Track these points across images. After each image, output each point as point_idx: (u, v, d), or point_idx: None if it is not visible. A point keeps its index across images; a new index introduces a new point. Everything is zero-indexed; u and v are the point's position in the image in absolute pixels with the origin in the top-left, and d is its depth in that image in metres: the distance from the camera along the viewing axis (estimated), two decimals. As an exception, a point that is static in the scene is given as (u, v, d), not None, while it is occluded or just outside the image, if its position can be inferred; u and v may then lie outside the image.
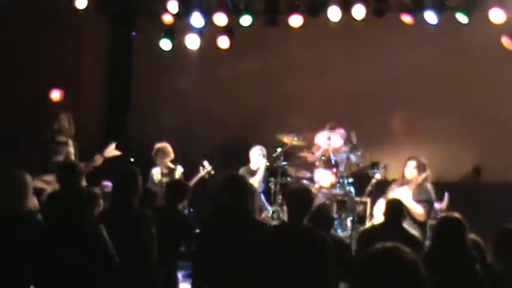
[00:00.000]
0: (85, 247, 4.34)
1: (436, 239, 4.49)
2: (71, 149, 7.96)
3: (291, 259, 4.43)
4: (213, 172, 8.81)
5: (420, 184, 7.34)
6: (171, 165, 8.66)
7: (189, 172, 8.80)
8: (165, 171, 8.63)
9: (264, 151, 9.19)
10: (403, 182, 7.52)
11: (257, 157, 9.10)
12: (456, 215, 4.60)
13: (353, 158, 9.24)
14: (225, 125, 10.83)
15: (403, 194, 7.09)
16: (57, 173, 5.93)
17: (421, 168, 7.44)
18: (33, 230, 4.57)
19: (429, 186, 7.38)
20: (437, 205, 8.11)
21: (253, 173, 9.02)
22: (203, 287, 4.99)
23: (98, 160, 7.65)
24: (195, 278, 5.06)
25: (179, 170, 8.65)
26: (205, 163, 8.85)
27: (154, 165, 8.70)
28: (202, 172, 8.76)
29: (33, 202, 4.88)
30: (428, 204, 7.23)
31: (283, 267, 4.44)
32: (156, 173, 8.64)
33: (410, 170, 7.47)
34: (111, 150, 7.92)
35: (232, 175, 5.20)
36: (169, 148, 8.67)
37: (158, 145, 8.70)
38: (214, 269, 4.80)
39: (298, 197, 4.76)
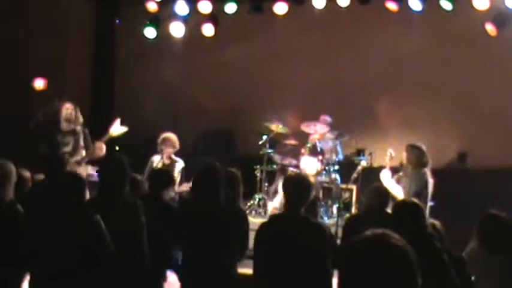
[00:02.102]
0: (84, 234, 4.32)
1: (395, 221, 4.40)
2: (80, 138, 7.73)
3: (291, 249, 4.37)
4: None
5: (407, 168, 7.41)
6: (174, 157, 8.32)
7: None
8: (167, 161, 8.27)
9: None
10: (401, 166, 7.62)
11: None
12: (413, 199, 4.67)
13: (339, 150, 9.32)
14: (210, 112, 10.80)
15: (384, 176, 7.18)
16: (41, 164, 5.88)
17: (408, 152, 7.49)
18: (14, 220, 4.55)
19: (424, 173, 7.39)
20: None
21: None
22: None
23: (100, 147, 7.46)
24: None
25: (180, 164, 8.32)
26: None
27: (156, 152, 8.35)
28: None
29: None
30: (416, 192, 7.23)
31: (283, 258, 4.38)
32: (157, 160, 8.28)
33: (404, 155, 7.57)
34: (117, 127, 7.67)
35: (206, 162, 5.09)
36: (174, 139, 8.30)
37: (165, 134, 8.33)
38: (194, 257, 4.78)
39: (298, 186, 4.63)
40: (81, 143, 7.73)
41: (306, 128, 9.38)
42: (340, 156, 9.46)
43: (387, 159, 7.69)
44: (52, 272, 4.31)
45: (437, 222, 4.91)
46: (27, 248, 4.44)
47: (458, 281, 4.06)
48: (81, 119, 7.80)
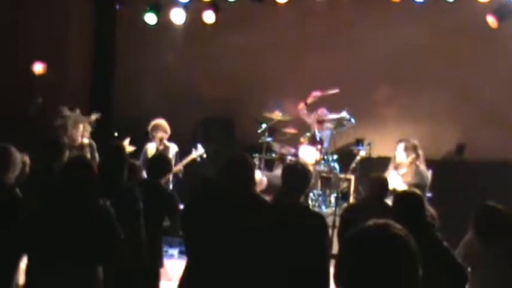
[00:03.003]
0: (95, 223, 4.24)
1: (396, 211, 4.38)
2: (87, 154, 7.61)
3: (291, 238, 4.35)
4: (205, 156, 8.54)
5: (411, 167, 7.40)
6: (167, 143, 8.48)
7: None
8: (161, 147, 8.40)
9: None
10: (395, 165, 7.61)
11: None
12: (414, 189, 4.66)
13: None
14: (209, 100, 10.77)
15: (394, 180, 7.14)
16: (42, 149, 5.86)
17: (410, 150, 7.48)
18: (13, 205, 4.55)
19: (422, 168, 7.41)
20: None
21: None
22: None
23: None
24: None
25: (173, 148, 8.49)
26: (199, 146, 8.58)
27: (149, 140, 8.50)
28: (194, 154, 8.49)
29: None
30: (419, 188, 7.25)
31: (283, 247, 4.35)
32: (151, 148, 8.41)
33: (400, 152, 7.53)
34: (126, 146, 7.73)
35: (238, 155, 4.96)
36: (165, 124, 8.46)
37: (154, 121, 8.49)
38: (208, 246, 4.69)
39: (297, 174, 4.58)
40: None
41: (304, 116, 9.40)
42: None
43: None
44: (54, 262, 4.21)
45: (432, 211, 4.92)
46: (26, 235, 4.38)
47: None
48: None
